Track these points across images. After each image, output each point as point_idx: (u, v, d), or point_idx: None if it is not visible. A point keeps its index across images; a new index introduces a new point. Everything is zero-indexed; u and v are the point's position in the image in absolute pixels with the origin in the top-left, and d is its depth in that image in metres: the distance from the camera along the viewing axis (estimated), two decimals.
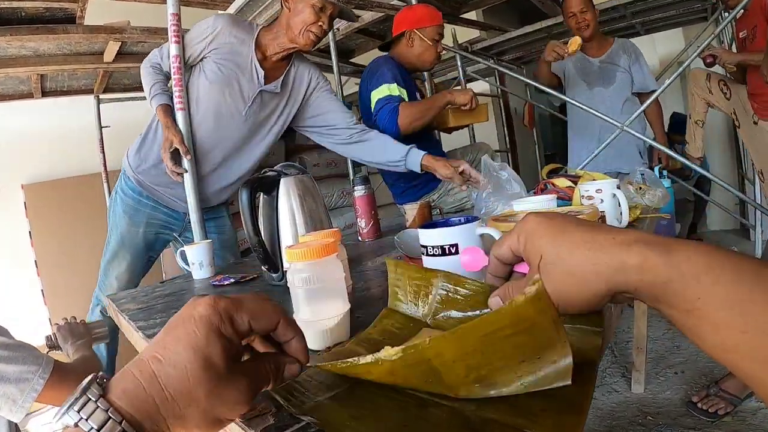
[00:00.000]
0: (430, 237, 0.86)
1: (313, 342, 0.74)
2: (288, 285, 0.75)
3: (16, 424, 1.13)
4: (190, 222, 2.06)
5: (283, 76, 2.08)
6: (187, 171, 1.96)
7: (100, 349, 2.28)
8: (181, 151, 1.93)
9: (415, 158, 2.07)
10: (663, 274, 0.41)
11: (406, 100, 2.36)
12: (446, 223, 0.89)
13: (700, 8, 4.05)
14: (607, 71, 3.20)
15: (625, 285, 0.44)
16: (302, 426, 0.53)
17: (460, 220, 0.89)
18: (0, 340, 1.03)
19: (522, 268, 0.57)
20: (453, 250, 0.83)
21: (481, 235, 0.86)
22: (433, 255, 0.85)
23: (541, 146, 5.78)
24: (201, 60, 2.00)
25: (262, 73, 2.00)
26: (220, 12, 2.11)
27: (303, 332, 0.74)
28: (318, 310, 0.73)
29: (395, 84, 2.33)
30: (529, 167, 6.01)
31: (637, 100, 3.20)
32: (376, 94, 2.35)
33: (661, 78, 4.34)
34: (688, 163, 2.81)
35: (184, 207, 2.09)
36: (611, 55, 3.21)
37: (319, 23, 1.91)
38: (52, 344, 1.57)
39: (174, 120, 1.96)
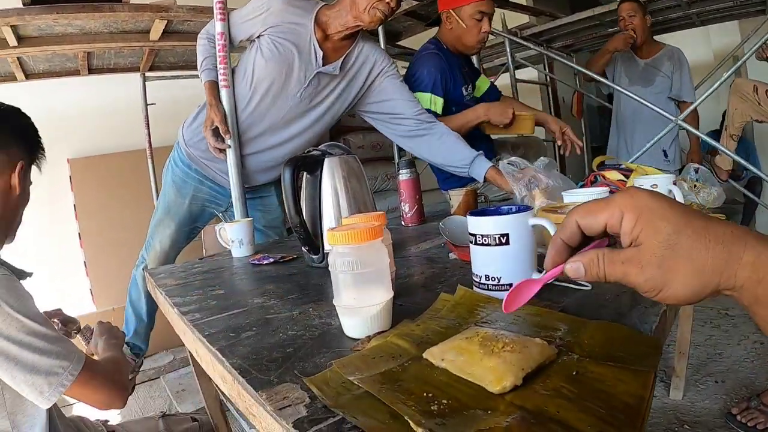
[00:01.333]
0: (479, 225, 0.81)
1: (353, 330, 0.71)
2: (329, 268, 0.71)
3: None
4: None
5: (343, 57, 1.97)
6: (230, 146, 1.93)
7: (141, 302, 2.36)
8: (220, 131, 1.90)
9: (481, 169, 1.95)
10: None
11: (439, 111, 2.26)
12: (497, 212, 0.84)
13: (758, 0, 3.87)
14: (649, 73, 3.41)
15: (733, 280, 0.42)
16: (336, 421, 0.50)
17: (511, 209, 0.84)
18: (39, 330, 1.03)
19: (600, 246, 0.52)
20: (503, 240, 0.79)
21: (533, 226, 0.81)
22: (482, 244, 0.81)
23: (589, 137, 5.60)
24: (258, 37, 1.93)
25: (321, 53, 1.91)
26: None
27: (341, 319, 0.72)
28: (360, 297, 0.70)
29: (430, 93, 2.25)
30: (576, 158, 5.86)
31: (672, 104, 3.33)
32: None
33: (716, 72, 4.19)
34: (740, 161, 2.69)
35: (229, 183, 2.05)
36: (657, 59, 3.40)
37: (387, 0, 1.80)
38: (86, 336, 1.58)
39: (218, 98, 1.93)
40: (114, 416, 2.51)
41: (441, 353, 0.58)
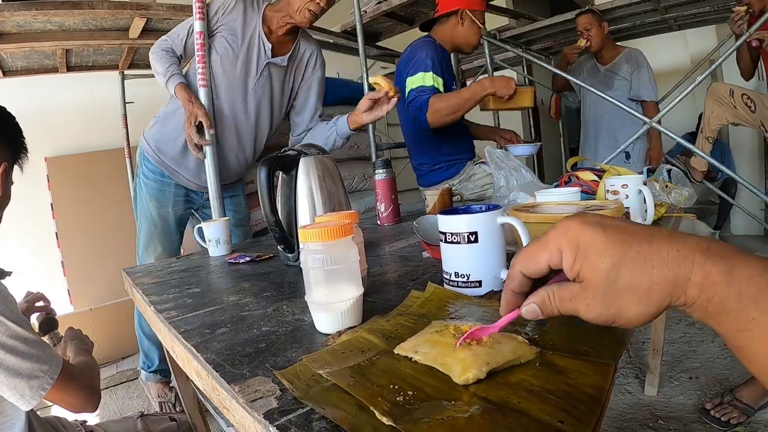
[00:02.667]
0: (449, 223, 0.83)
1: (325, 325, 0.73)
2: (301, 265, 0.73)
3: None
4: (208, 199, 2.08)
5: (290, 51, 2.14)
6: (210, 143, 1.97)
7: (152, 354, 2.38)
8: (204, 125, 1.93)
9: (342, 123, 2.05)
10: (722, 293, 0.40)
11: (441, 90, 2.33)
12: (467, 210, 0.86)
13: (735, 6, 3.94)
14: (608, 78, 3.58)
15: (683, 299, 0.42)
16: (305, 412, 0.51)
17: (481, 207, 0.86)
18: (22, 334, 1.03)
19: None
20: (473, 239, 0.81)
21: (502, 225, 0.83)
22: (452, 242, 0.83)
23: (566, 138, 5.68)
24: (211, 36, 2.03)
25: (269, 46, 2.05)
26: None
27: (312, 315, 0.73)
28: (331, 293, 0.71)
29: (431, 72, 2.31)
30: (554, 159, 5.93)
31: (633, 105, 3.42)
32: (411, 83, 2.33)
33: (692, 75, 4.26)
34: (715, 162, 2.76)
35: (196, 185, 2.15)
36: (615, 64, 3.57)
37: (317, 1, 1.95)
38: (54, 341, 1.57)
39: (195, 95, 1.96)
40: (92, 416, 2.48)
41: (413, 347, 0.59)
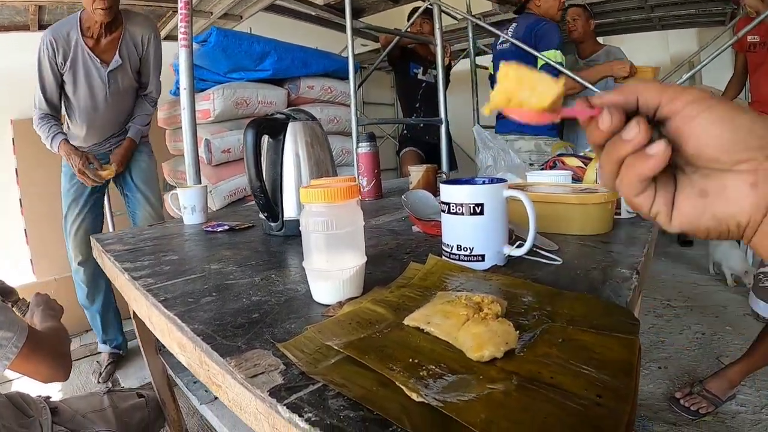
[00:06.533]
0: (454, 193, 0.79)
1: (324, 294, 0.67)
2: (300, 228, 0.67)
3: None
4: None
5: (118, 48, 2.32)
6: (100, 182, 2.44)
7: (85, 298, 2.57)
8: (91, 173, 2.32)
9: (133, 130, 2.55)
10: None
11: (564, 64, 2.75)
12: (471, 182, 0.82)
13: (720, 11, 4.01)
14: (585, 69, 3.65)
15: None
16: (318, 389, 0.46)
17: (484, 180, 0.82)
18: None
19: None
20: (478, 210, 0.77)
21: (507, 198, 0.79)
22: (455, 213, 0.78)
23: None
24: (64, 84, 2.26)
25: (98, 60, 2.26)
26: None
27: (310, 283, 0.67)
28: (333, 260, 0.66)
29: (559, 51, 2.74)
30: None
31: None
32: (547, 56, 2.71)
33: (671, 76, 4.32)
34: None
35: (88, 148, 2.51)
36: (594, 58, 3.69)
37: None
38: (22, 309, 1.49)
39: (74, 148, 2.33)
40: (56, 392, 2.40)
41: (425, 317, 0.55)
